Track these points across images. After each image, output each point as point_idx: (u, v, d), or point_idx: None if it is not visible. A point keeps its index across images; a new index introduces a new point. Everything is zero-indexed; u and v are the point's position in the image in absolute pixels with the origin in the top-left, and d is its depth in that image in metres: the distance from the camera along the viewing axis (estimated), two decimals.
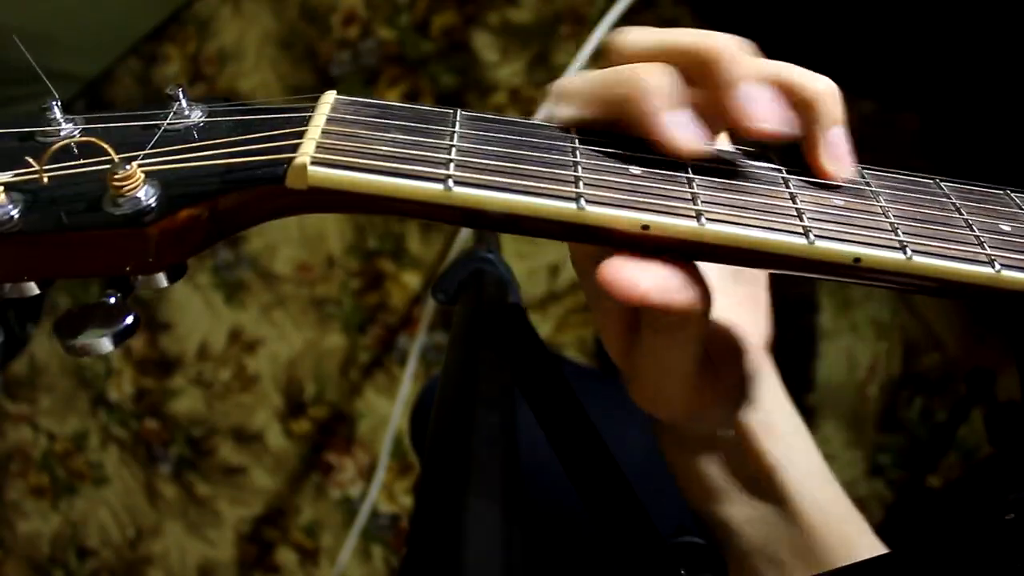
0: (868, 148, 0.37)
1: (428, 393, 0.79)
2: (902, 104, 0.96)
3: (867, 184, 0.33)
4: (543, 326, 1.31)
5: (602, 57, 0.35)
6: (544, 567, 0.63)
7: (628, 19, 1.21)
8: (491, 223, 0.29)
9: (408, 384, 1.25)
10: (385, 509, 1.36)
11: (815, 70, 0.32)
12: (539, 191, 0.28)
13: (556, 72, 1.28)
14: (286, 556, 1.42)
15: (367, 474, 1.38)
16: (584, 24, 1.31)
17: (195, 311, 1.48)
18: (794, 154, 0.34)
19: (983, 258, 0.30)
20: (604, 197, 0.29)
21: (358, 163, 0.28)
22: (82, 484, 1.54)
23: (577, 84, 0.33)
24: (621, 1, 0.96)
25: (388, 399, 1.37)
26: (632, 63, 0.32)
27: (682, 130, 0.30)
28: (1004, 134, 0.73)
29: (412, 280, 1.39)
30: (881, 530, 0.45)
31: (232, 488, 1.46)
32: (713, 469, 0.44)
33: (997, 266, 0.30)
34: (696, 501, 0.47)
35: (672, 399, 0.34)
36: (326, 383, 1.41)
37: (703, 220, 0.29)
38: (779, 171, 0.33)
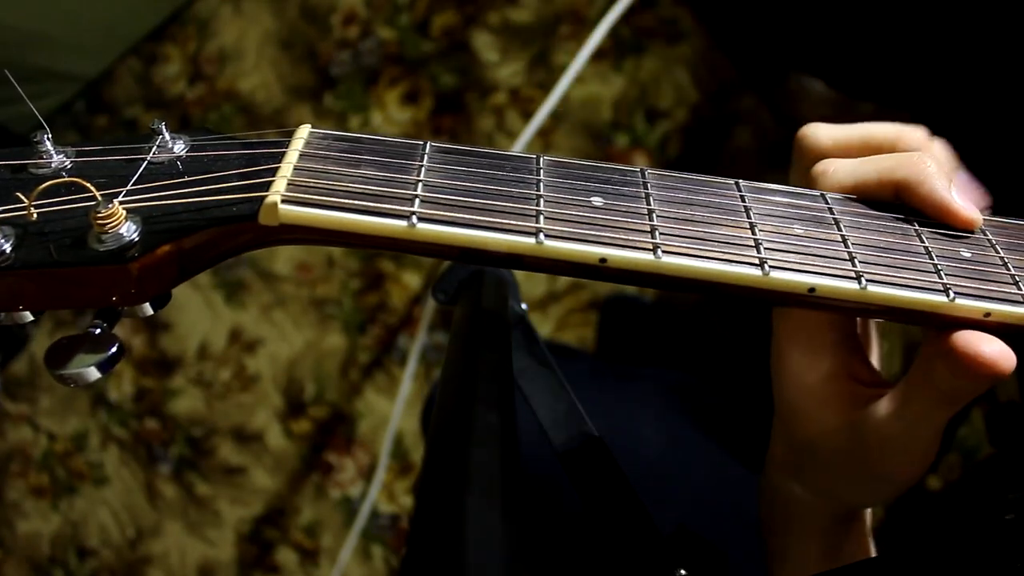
0: None
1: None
2: (896, 104, 0.96)
3: (830, 211, 0.33)
4: (543, 326, 1.31)
5: (797, 151, 0.37)
6: (544, 567, 0.63)
7: (628, 19, 1.21)
8: (489, 260, 0.30)
9: (408, 384, 1.25)
10: (385, 509, 1.36)
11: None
12: (500, 226, 0.29)
13: (556, 72, 1.28)
14: (286, 556, 1.42)
15: (367, 474, 1.38)
16: (584, 24, 1.31)
17: (195, 311, 1.48)
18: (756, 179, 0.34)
19: (939, 286, 0.31)
20: (563, 231, 0.29)
21: (326, 201, 0.29)
22: (82, 484, 1.54)
23: (850, 169, 0.35)
24: (621, 1, 0.96)
25: (388, 399, 1.37)
26: (831, 155, 0.35)
27: (966, 202, 0.33)
28: (993, 132, 0.73)
29: (412, 280, 1.39)
30: (881, 530, 0.45)
31: (232, 488, 1.46)
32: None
33: (952, 294, 0.30)
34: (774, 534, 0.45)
35: (920, 461, 0.35)
36: (326, 383, 1.41)
37: (659, 253, 0.29)
38: (743, 200, 0.33)
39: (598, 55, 1.24)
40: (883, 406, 0.35)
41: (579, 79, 1.15)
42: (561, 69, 1.26)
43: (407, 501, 1.36)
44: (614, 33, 1.22)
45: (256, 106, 1.48)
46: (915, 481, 0.36)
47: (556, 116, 1.29)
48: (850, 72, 0.97)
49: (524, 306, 0.55)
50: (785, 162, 0.35)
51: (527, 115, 1.32)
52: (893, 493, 0.38)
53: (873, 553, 0.42)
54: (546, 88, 1.25)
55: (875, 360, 0.41)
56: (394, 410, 1.25)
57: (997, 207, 0.36)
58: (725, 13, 1.22)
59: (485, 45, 1.37)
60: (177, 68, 1.53)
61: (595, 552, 0.55)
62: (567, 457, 0.44)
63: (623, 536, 0.40)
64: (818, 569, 0.41)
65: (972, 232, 0.33)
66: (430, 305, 1.32)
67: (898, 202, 0.34)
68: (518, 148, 1.11)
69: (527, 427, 0.45)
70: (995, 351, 0.30)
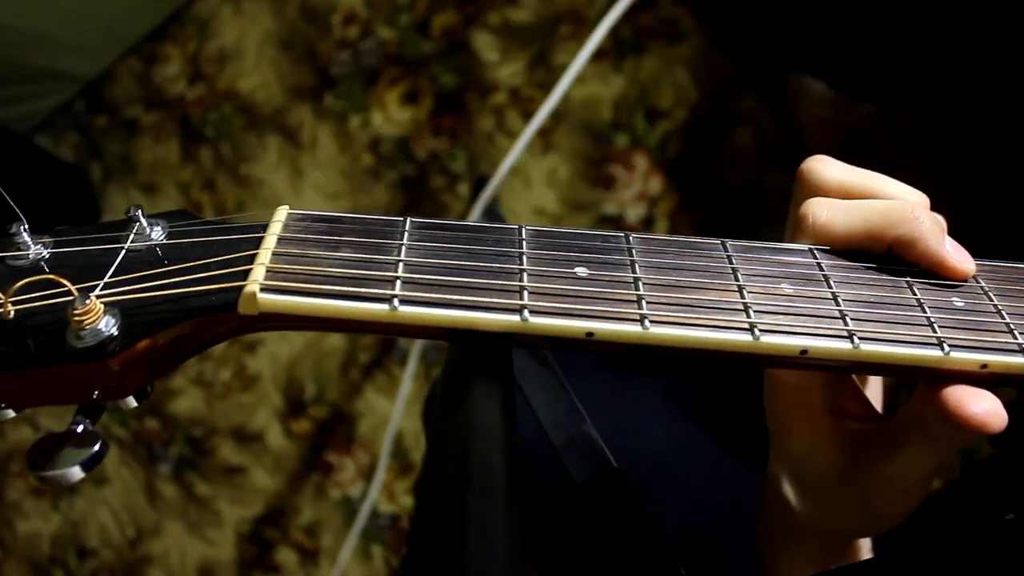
0: (869, 149, 0.37)
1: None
2: (893, 105, 0.96)
3: (819, 267, 0.33)
4: None
5: (800, 184, 0.36)
6: (545, 566, 0.63)
7: (628, 19, 1.21)
8: (475, 339, 0.29)
9: (408, 384, 1.25)
10: (385, 509, 1.36)
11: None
12: (484, 305, 0.29)
13: (556, 72, 1.28)
14: (286, 556, 1.42)
15: (367, 474, 1.38)
16: (584, 24, 1.31)
17: None
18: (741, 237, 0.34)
19: (933, 340, 0.30)
20: (548, 307, 0.29)
21: (305, 288, 0.29)
22: (82, 484, 1.54)
23: (841, 221, 0.34)
24: (621, 1, 0.96)
25: (388, 399, 1.37)
26: (832, 194, 0.35)
27: (961, 255, 0.33)
28: (987, 131, 0.73)
29: None
30: None
31: (232, 488, 1.46)
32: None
33: (946, 348, 0.30)
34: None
35: (912, 498, 0.36)
36: (326, 383, 1.41)
37: (647, 323, 0.29)
38: (729, 261, 0.32)
39: (598, 55, 1.24)
40: (874, 446, 0.35)
41: (579, 79, 1.15)
42: (561, 69, 1.26)
43: (407, 501, 1.36)
44: (614, 33, 1.22)
45: (256, 106, 1.48)
46: (907, 517, 0.36)
47: (556, 116, 1.29)
48: (850, 72, 0.97)
49: None
50: (785, 162, 0.34)
51: (527, 115, 1.32)
52: (884, 527, 0.38)
53: None
54: (546, 88, 1.25)
55: (875, 393, 0.41)
56: (394, 410, 1.25)
57: (996, 211, 0.36)
58: (725, 13, 1.22)
59: (485, 45, 1.37)
60: (177, 68, 1.53)
61: (596, 552, 0.55)
62: (567, 457, 0.44)
63: (624, 536, 0.40)
64: None
65: (965, 280, 0.33)
66: None
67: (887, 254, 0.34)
68: (518, 148, 1.11)
69: (527, 427, 0.45)
70: (984, 410, 0.29)
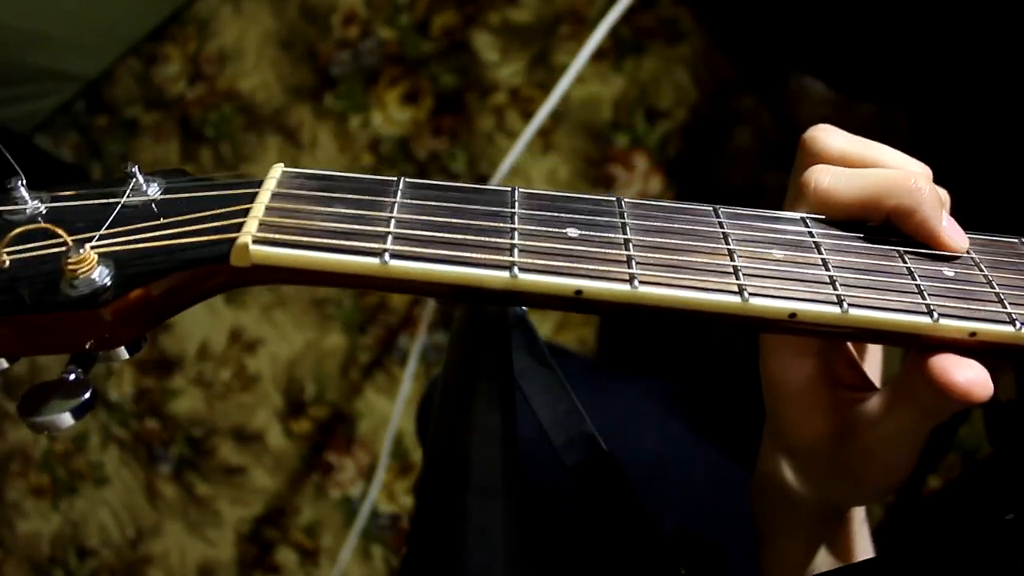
0: None
1: (435, 386, 0.79)
2: (892, 104, 0.97)
3: (810, 234, 0.33)
4: (543, 326, 1.31)
5: (803, 151, 0.36)
6: (545, 567, 0.63)
7: (628, 19, 1.21)
8: (465, 295, 0.29)
9: (408, 384, 1.25)
10: (385, 509, 1.36)
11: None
12: (473, 261, 0.29)
13: (556, 72, 1.28)
14: (286, 556, 1.42)
15: (367, 474, 1.38)
16: (584, 24, 1.31)
17: (195, 311, 1.48)
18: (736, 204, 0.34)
19: (922, 308, 0.30)
20: (538, 264, 0.29)
21: (298, 240, 0.29)
22: (82, 484, 1.54)
23: (841, 190, 0.34)
24: (621, 1, 0.96)
25: (388, 399, 1.37)
26: (834, 163, 0.35)
27: (955, 231, 0.33)
28: (987, 131, 0.74)
29: None
30: (881, 530, 0.45)
31: (232, 488, 1.46)
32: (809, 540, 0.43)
33: (935, 315, 0.30)
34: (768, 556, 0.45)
35: (901, 468, 0.36)
36: (326, 383, 1.41)
37: (636, 283, 0.29)
38: (721, 226, 0.33)
39: (598, 55, 1.24)
40: (866, 413, 0.35)
41: (579, 79, 1.15)
42: (561, 69, 1.26)
43: (407, 501, 1.36)
44: (614, 33, 1.22)
45: (256, 106, 1.48)
46: (897, 487, 0.37)
47: (556, 116, 1.29)
48: (850, 72, 0.97)
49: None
50: (785, 162, 0.35)
51: (527, 115, 1.32)
52: (874, 497, 0.38)
53: (860, 550, 0.42)
54: (546, 88, 1.25)
55: (874, 364, 0.41)
56: (394, 410, 1.25)
57: (994, 207, 0.36)
58: (725, 13, 1.22)
59: (485, 45, 1.37)
60: (177, 68, 1.53)
61: (596, 552, 0.55)
62: (567, 457, 0.44)
63: (624, 536, 0.40)
64: (800, 562, 0.41)
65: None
66: (430, 305, 1.32)
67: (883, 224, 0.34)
68: (518, 148, 1.11)
69: (527, 427, 0.45)
70: (969, 379, 0.30)
